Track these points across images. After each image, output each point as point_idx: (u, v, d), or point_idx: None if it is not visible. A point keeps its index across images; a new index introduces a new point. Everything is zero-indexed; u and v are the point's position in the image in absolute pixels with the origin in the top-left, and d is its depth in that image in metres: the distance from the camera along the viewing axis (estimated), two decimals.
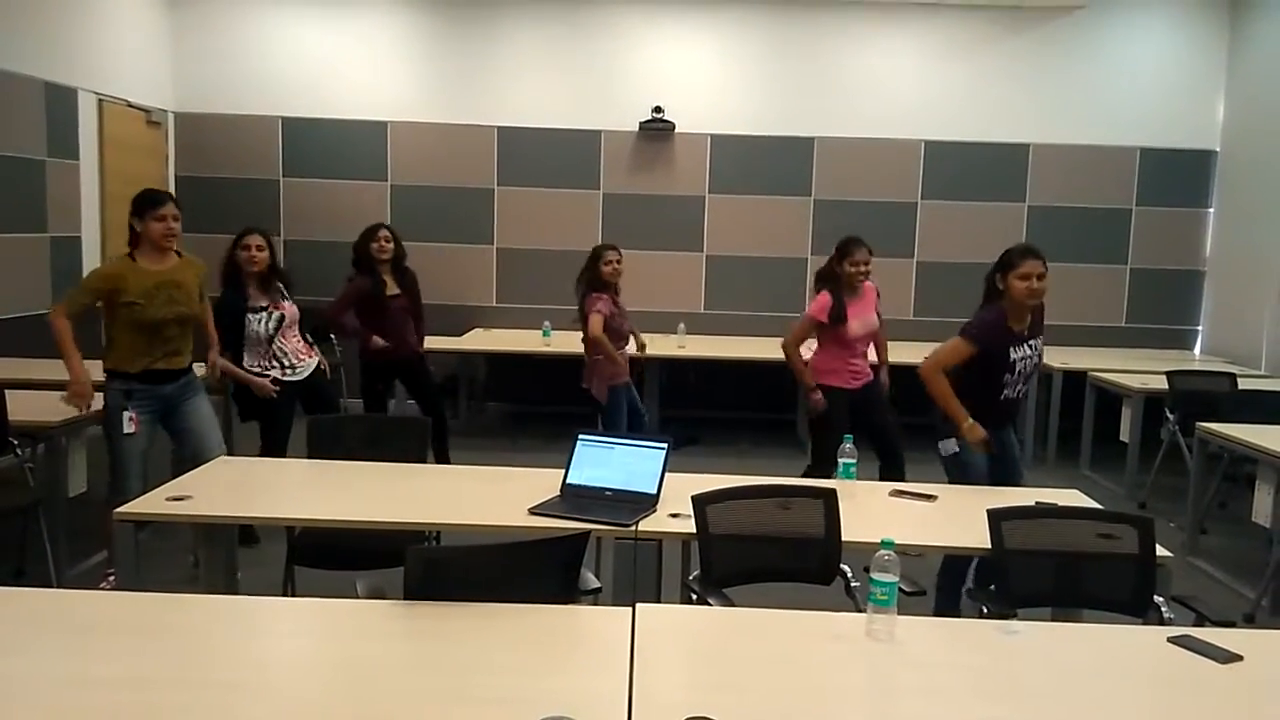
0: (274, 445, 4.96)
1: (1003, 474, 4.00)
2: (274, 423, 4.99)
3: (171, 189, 8.17)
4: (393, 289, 5.70)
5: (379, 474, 3.57)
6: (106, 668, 2.00)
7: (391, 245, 5.69)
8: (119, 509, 3.09)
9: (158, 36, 7.97)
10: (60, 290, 6.71)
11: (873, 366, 5.28)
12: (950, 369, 3.96)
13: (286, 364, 5.00)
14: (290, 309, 5.04)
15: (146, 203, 4.04)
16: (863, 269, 5.06)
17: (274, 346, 4.95)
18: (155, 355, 4.09)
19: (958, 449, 3.92)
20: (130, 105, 7.54)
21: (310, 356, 5.16)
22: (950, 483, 3.88)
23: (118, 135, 7.32)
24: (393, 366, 5.81)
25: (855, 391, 5.11)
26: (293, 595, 3.55)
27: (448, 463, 5.66)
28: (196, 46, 8.15)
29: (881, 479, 4.57)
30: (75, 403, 4.11)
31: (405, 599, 2.34)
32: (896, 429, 5.13)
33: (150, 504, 3.15)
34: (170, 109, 8.13)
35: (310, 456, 3.78)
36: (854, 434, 3.87)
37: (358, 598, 2.50)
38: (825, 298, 5.06)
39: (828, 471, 4.50)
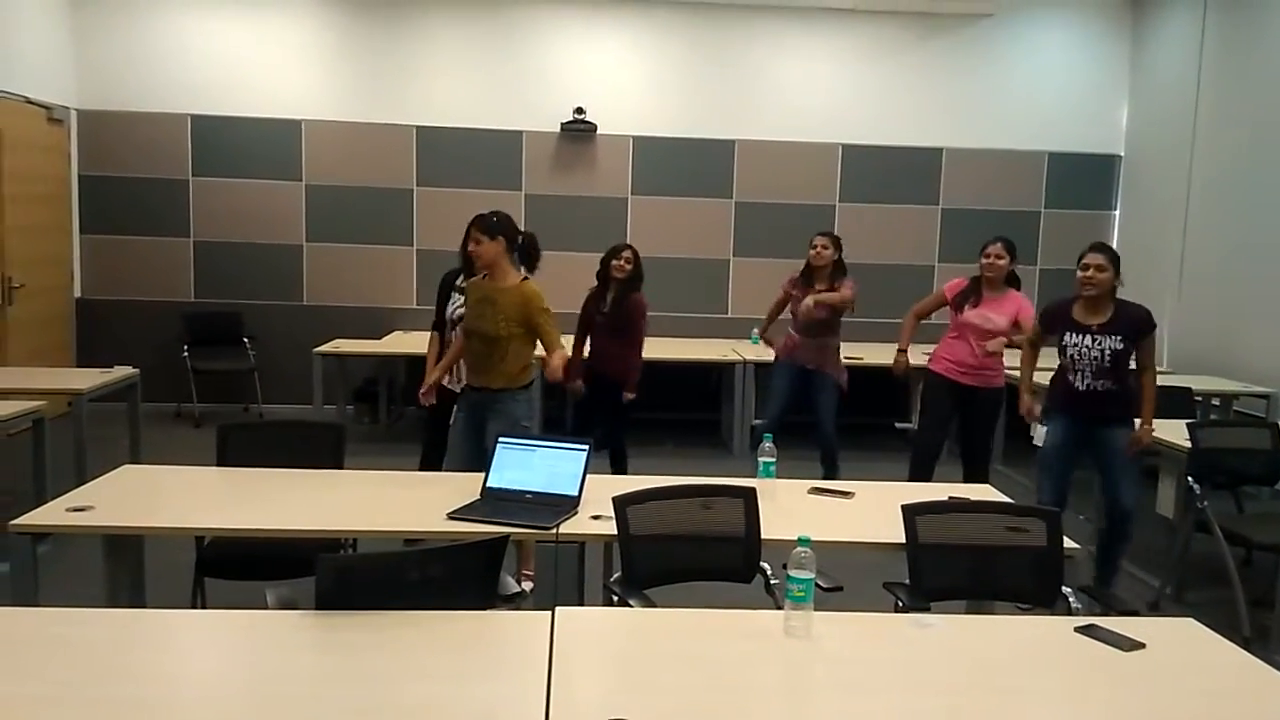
0: (436, 457, 4.77)
1: (1106, 482, 4.53)
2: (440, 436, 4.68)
3: (74, 188, 7.89)
4: (606, 307, 5.51)
5: (292, 481, 3.48)
6: (5, 687, 1.91)
7: (630, 267, 5.46)
8: (16, 520, 2.96)
9: (59, 30, 7.67)
10: None
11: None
12: (1034, 342, 4.72)
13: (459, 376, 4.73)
14: None
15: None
16: (990, 261, 5.23)
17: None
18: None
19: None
20: (30, 102, 7.24)
21: None
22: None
23: (16, 133, 7.03)
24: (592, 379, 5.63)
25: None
26: (202, 607, 3.45)
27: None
28: (101, 41, 7.86)
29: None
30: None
31: (317, 609, 2.29)
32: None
33: (50, 515, 3.02)
34: (73, 106, 7.83)
35: (220, 464, 3.67)
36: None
37: (268, 609, 2.43)
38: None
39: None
